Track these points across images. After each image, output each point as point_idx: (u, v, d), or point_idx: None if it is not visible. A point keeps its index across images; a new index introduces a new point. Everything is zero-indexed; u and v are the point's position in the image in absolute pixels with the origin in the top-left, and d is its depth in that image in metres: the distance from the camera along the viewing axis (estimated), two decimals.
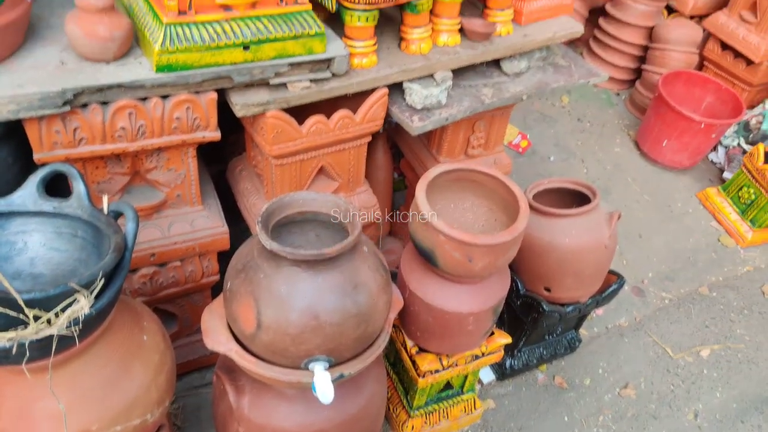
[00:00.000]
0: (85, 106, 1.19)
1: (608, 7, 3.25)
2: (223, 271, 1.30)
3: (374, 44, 1.45)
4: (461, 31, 1.60)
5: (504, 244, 1.27)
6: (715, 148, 3.04)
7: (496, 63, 1.75)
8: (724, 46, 3.06)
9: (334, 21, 1.45)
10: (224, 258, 1.38)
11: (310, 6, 1.33)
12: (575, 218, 1.62)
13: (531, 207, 1.59)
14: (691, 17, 3.28)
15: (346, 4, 1.37)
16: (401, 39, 1.54)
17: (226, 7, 1.23)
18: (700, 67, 3.24)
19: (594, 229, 1.63)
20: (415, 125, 1.53)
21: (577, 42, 3.53)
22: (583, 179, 1.92)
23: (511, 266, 1.51)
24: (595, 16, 3.39)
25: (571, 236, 1.60)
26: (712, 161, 3.05)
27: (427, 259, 1.35)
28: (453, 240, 1.25)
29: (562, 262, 1.64)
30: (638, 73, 3.33)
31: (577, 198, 1.72)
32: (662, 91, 2.75)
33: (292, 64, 1.33)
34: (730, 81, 3.09)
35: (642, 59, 3.28)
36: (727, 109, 2.85)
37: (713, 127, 2.72)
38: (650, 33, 3.20)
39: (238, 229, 1.63)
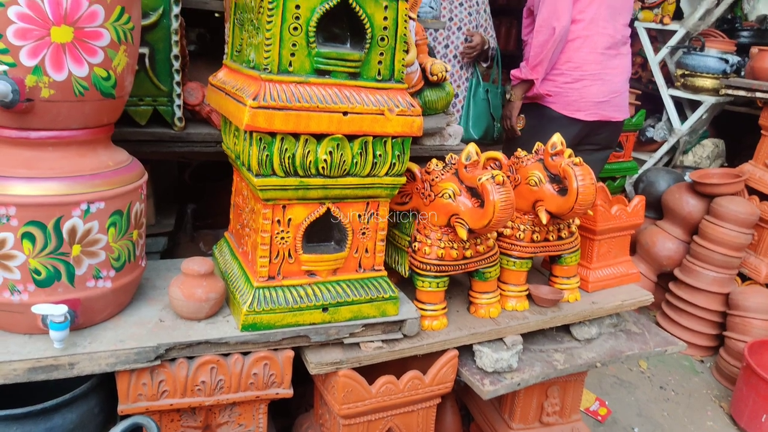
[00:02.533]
0: (173, 360, 1.27)
1: (677, 273, 3.29)
2: None
3: (444, 307, 1.53)
4: (529, 296, 1.67)
5: None
6: None
7: (566, 328, 1.77)
8: None
9: (407, 284, 1.55)
10: None
11: (385, 273, 1.45)
12: None
13: None
14: (766, 285, 3.26)
15: (417, 270, 1.49)
16: (470, 303, 1.62)
17: (311, 273, 1.36)
18: None
19: None
20: (486, 389, 1.51)
21: (649, 305, 3.52)
22: None
23: None
24: (664, 279, 3.43)
25: None
26: None
27: None
28: None
29: None
30: (720, 338, 3.22)
31: None
32: (750, 362, 2.62)
33: (366, 325, 1.40)
34: None
35: (721, 325, 3.20)
36: None
37: None
38: (726, 299, 3.17)
39: None
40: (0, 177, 1.13)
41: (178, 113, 1.65)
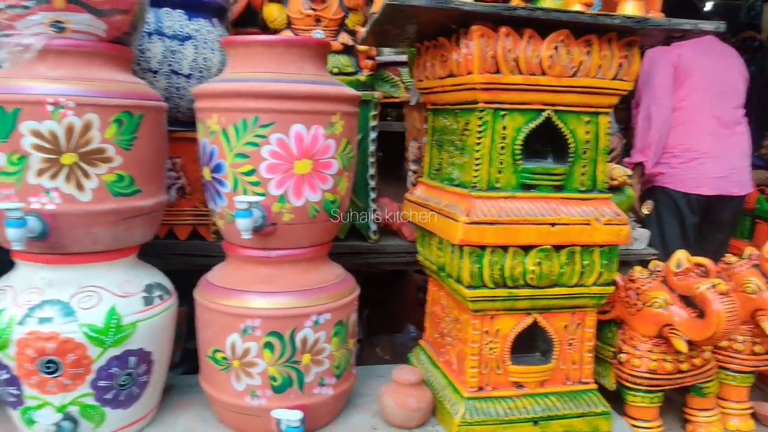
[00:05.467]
0: None
1: None
2: None
3: (660, 425, 1.42)
4: (754, 415, 1.51)
5: None
6: None
7: None
8: None
9: (615, 398, 1.47)
10: None
11: (595, 386, 1.39)
12: None
13: None
14: None
15: (627, 384, 1.41)
16: (686, 420, 1.49)
17: (519, 385, 1.35)
18: None
19: None
20: None
21: None
22: None
23: None
24: None
25: None
26: None
27: None
28: None
29: None
30: None
31: None
32: None
33: None
34: None
35: None
36: None
37: None
38: None
39: None
40: (246, 292, 1.28)
41: (373, 227, 1.78)
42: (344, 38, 1.68)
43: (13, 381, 1.21)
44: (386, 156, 2.76)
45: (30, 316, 1.19)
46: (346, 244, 1.79)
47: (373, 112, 1.70)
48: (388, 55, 2.09)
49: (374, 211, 1.77)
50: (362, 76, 1.73)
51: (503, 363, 1.33)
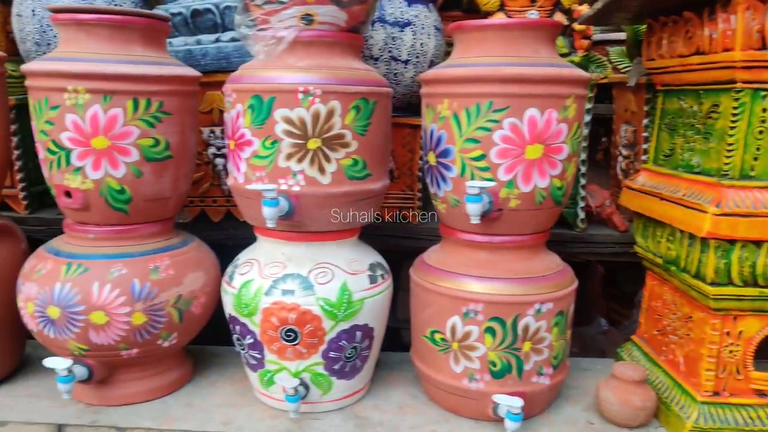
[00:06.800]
0: None
1: None
2: None
3: None
4: None
5: None
6: None
7: None
8: None
9: None
10: None
11: None
12: None
13: None
14: None
15: None
16: None
17: (761, 393, 1.23)
18: None
19: None
20: None
21: None
22: None
23: None
24: None
25: None
26: None
27: None
28: None
29: None
30: None
31: None
32: None
33: None
34: None
35: None
36: None
37: None
38: None
39: None
40: (466, 276, 1.29)
41: (581, 215, 1.71)
42: (559, 18, 1.61)
43: (257, 345, 1.33)
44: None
45: (275, 287, 1.29)
46: (552, 232, 1.74)
47: (589, 95, 1.63)
48: (596, 33, 1.99)
49: (583, 198, 1.69)
50: (576, 57, 1.66)
51: (744, 368, 1.22)
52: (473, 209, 1.19)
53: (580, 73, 1.23)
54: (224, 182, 1.68)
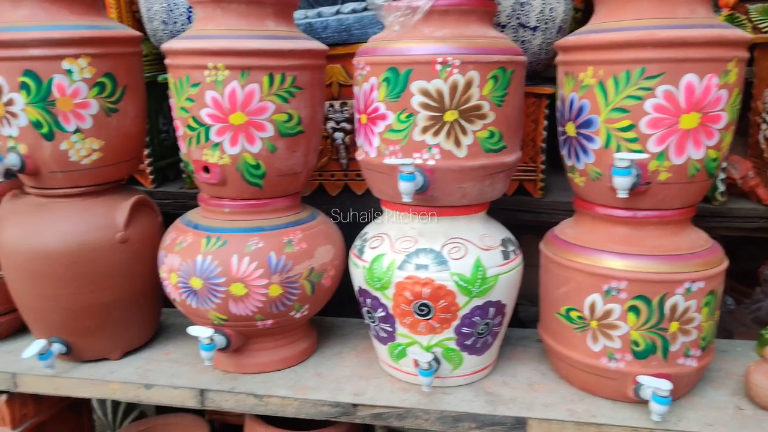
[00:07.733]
0: None
1: None
2: None
3: None
4: None
5: None
6: None
7: None
8: None
9: None
10: None
11: None
12: None
13: None
14: None
15: None
16: None
17: None
18: None
19: None
20: None
21: None
22: None
23: None
24: None
25: None
26: None
27: None
28: None
29: None
30: None
31: None
32: None
33: None
34: None
35: None
36: None
37: None
38: None
39: None
40: (606, 252, 1.24)
41: (721, 187, 1.60)
42: None
43: (388, 319, 1.34)
44: None
45: (408, 262, 1.29)
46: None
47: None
48: None
49: (724, 169, 1.58)
50: (721, 16, 1.53)
51: None
52: (622, 183, 1.13)
53: (742, 33, 1.12)
54: (342, 156, 1.68)
